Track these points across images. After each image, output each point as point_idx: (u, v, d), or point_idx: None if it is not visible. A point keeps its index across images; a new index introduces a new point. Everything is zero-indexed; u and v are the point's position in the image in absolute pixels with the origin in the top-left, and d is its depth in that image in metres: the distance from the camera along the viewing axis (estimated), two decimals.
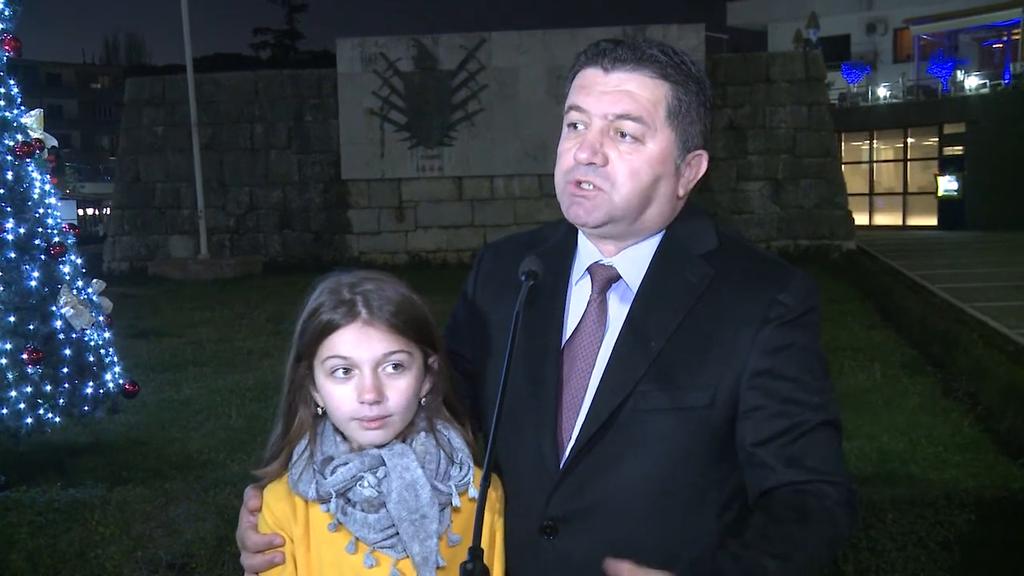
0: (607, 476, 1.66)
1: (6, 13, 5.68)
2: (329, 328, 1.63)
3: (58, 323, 5.53)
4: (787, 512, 1.59)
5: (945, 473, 5.99)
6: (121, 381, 5.96)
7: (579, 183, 1.69)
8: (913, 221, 32.71)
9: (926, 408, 7.73)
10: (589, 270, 1.77)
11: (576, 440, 1.68)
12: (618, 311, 1.73)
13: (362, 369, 1.62)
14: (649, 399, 1.65)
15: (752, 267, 1.72)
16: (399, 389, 1.63)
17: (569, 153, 1.71)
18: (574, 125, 1.72)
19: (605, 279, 1.75)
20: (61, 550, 4.29)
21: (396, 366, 1.63)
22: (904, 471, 6.07)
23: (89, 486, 4.86)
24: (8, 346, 5.27)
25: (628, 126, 1.67)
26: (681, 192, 1.76)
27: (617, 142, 1.68)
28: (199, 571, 4.31)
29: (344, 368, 1.62)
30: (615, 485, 1.66)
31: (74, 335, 5.61)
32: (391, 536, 1.61)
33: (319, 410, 1.69)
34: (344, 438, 1.68)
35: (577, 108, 1.70)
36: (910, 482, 5.66)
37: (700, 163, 1.77)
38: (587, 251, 1.79)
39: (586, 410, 1.69)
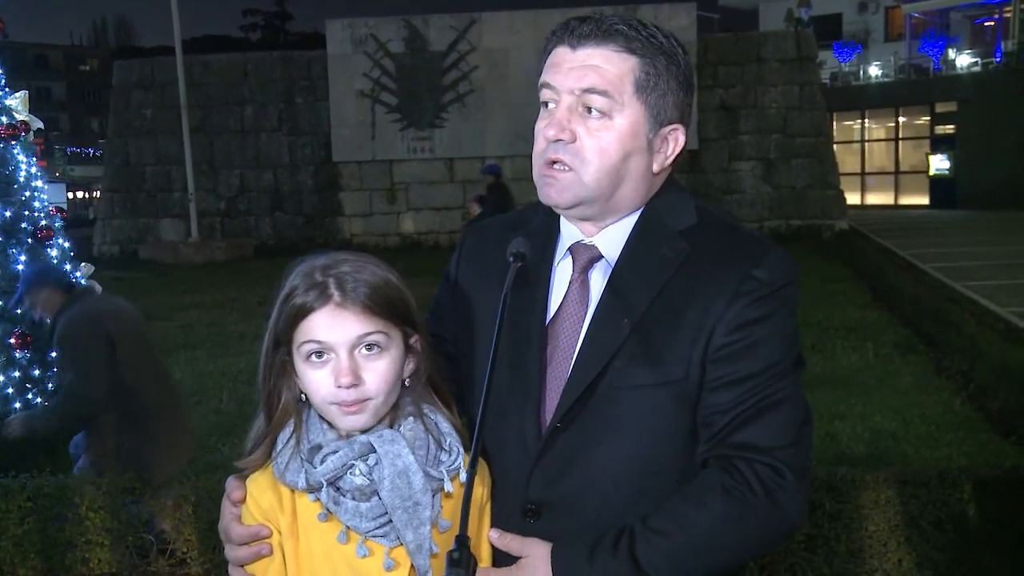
0: (587, 457, 1.65)
1: None
2: (302, 312, 1.59)
3: None
4: (693, 488, 1.60)
5: (938, 452, 6.00)
6: None
7: (552, 163, 1.68)
8: (905, 200, 32.73)
9: (919, 387, 7.75)
10: (570, 250, 1.76)
11: (551, 419, 1.66)
12: (600, 290, 1.71)
13: (337, 352, 1.58)
14: (624, 376, 1.63)
15: (728, 243, 1.70)
16: (377, 371, 1.59)
17: (541, 133, 1.71)
18: (546, 104, 1.72)
19: (587, 258, 1.74)
20: (51, 536, 4.27)
21: (372, 347, 1.59)
22: (897, 450, 6.08)
23: (79, 471, 4.83)
24: None
25: (595, 100, 1.65)
26: (656, 168, 1.73)
27: (585, 118, 1.66)
28: (190, 555, 4.29)
29: (318, 352, 1.59)
30: (596, 466, 1.64)
31: None
32: (384, 525, 1.58)
33: (303, 396, 1.65)
34: (331, 425, 1.64)
35: (547, 86, 1.70)
36: (903, 461, 5.67)
37: (677, 138, 1.74)
38: (569, 231, 1.77)
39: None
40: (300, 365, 1.61)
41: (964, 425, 6.65)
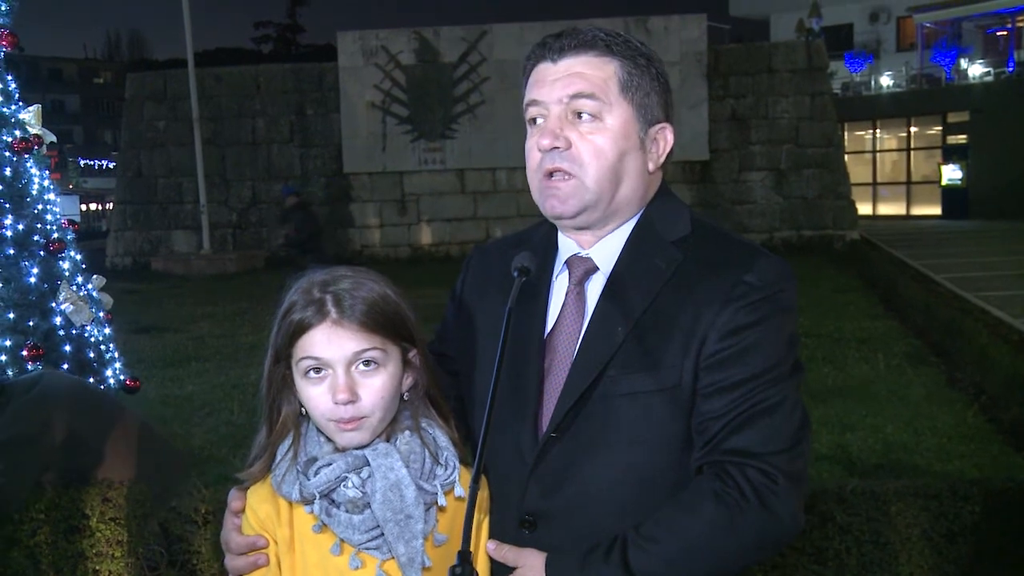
0: (582, 466, 1.65)
1: (2, 8, 5.66)
2: (300, 328, 1.61)
3: (58, 319, 5.52)
4: (685, 495, 1.60)
5: (950, 464, 5.97)
6: (122, 377, 5.95)
7: (550, 174, 1.71)
8: (917, 211, 32.61)
9: (930, 399, 7.71)
10: (567, 263, 1.78)
11: (547, 429, 1.67)
12: (596, 301, 1.73)
13: (335, 369, 1.60)
14: (618, 383, 1.64)
15: (721, 251, 1.71)
16: (373, 388, 1.61)
17: (534, 148, 1.73)
18: (534, 121, 1.75)
19: (582, 270, 1.76)
20: (62, 547, 4.28)
21: (369, 363, 1.61)
22: (909, 462, 6.05)
23: (91, 482, 4.84)
24: (8, 343, 5.26)
25: (583, 104, 1.69)
26: (651, 167, 1.76)
27: (576, 123, 1.70)
28: (201, 567, 4.29)
29: (316, 368, 1.60)
30: (591, 476, 1.65)
31: (74, 331, 5.60)
32: (376, 537, 1.59)
33: (303, 409, 1.67)
34: (329, 438, 1.66)
35: (534, 103, 1.74)
36: (914, 473, 5.64)
37: (666, 136, 1.77)
38: (566, 245, 1.80)
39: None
40: (299, 380, 1.63)
41: (976, 437, 6.62)
